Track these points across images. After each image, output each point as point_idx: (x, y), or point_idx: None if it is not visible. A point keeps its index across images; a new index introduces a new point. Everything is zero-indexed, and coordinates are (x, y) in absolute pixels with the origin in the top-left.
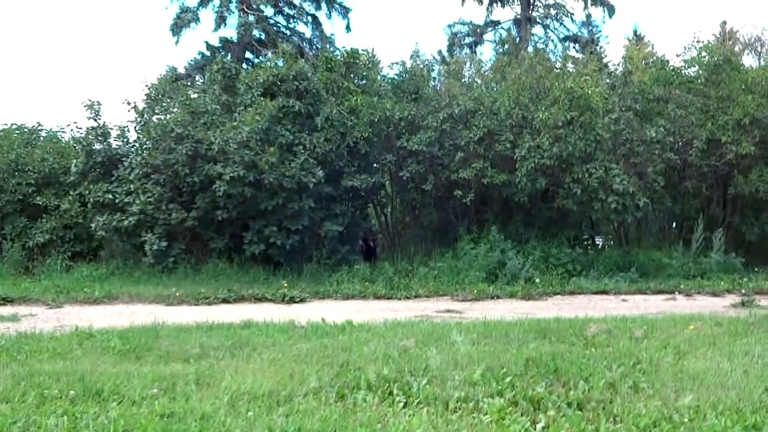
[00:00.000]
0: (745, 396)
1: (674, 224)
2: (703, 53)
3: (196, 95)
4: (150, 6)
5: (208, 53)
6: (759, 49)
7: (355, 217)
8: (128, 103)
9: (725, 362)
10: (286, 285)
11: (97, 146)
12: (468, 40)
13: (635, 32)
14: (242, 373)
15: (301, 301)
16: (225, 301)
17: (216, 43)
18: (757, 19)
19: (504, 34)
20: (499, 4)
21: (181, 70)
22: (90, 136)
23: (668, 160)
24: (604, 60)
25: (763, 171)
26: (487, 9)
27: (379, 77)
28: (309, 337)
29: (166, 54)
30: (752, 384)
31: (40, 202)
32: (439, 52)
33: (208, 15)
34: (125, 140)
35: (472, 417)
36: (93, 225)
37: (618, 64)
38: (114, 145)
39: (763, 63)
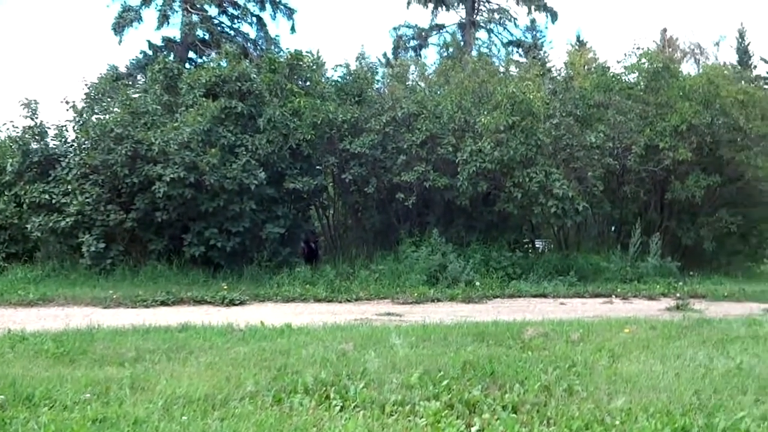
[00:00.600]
0: (675, 398)
1: (613, 228)
2: (643, 60)
3: (137, 95)
4: (92, 4)
5: (150, 52)
6: (698, 56)
7: (297, 219)
8: (67, 103)
9: (658, 365)
10: (225, 287)
11: (34, 146)
12: (413, 43)
13: (578, 38)
14: (178, 376)
15: (241, 303)
16: (163, 303)
17: (159, 42)
18: (696, 27)
19: (448, 37)
20: (443, 7)
21: (123, 70)
22: (27, 136)
23: (607, 165)
24: (547, 65)
25: (699, 177)
26: (432, 12)
27: (323, 79)
28: (247, 341)
29: (108, 53)
30: (683, 386)
31: None
32: (384, 55)
33: (151, 14)
34: (63, 140)
35: (408, 420)
36: (29, 226)
37: (560, 70)
38: (51, 145)
39: (701, 70)
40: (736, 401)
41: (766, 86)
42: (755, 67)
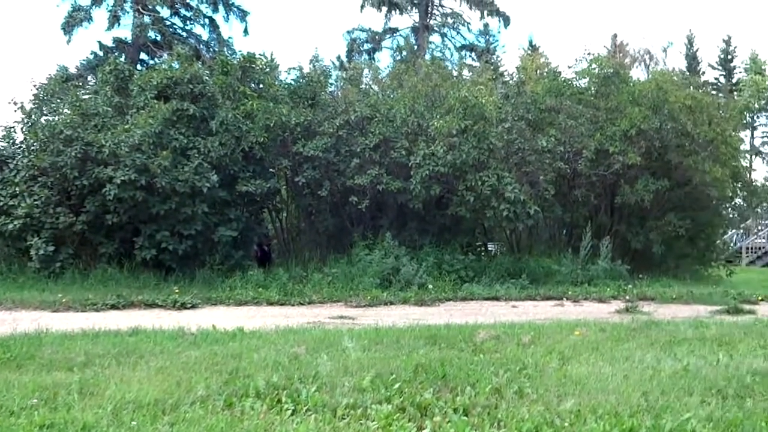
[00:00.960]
0: (623, 400)
1: (564, 232)
2: (594, 66)
3: (87, 96)
4: (41, 2)
5: (101, 53)
6: (647, 62)
7: (250, 222)
8: (15, 104)
9: (607, 367)
10: (177, 291)
11: None
12: (366, 46)
13: (530, 43)
14: (128, 381)
15: (193, 307)
16: (113, 307)
17: (109, 43)
18: (646, 33)
19: (402, 41)
20: (397, 11)
21: (73, 70)
22: None
23: (559, 169)
24: (500, 69)
25: (648, 181)
26: (386, 16)
27: (276, 82)
28: (198, 345)
29: (58, 53)
30: (631, 388)
31: None
32: (338, 58)
33: (101, 14)
34: (11, 141)
35: (360, 424)
36: None
37: (513, 74)
38: None
39: (650, 76)
40: (682, 402)
41: (713, 92)
42: (703, 72)
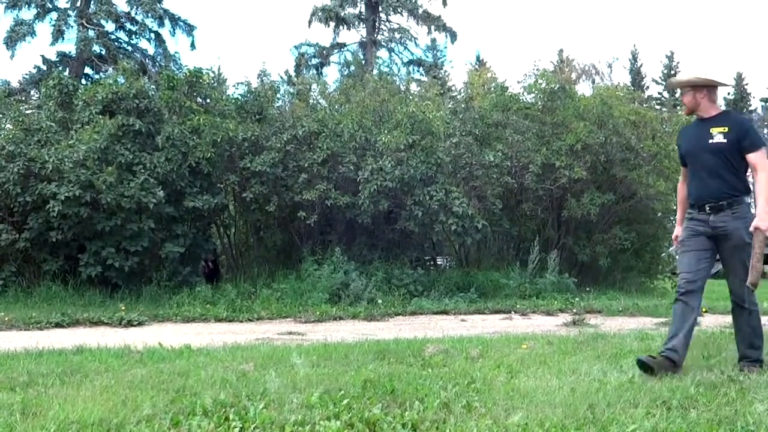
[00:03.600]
0: (570, 413)
1: (512, 246)
2: (541, 81)
3: (30, 111)
4: None
5: (44, 68)
6: (593, 76)
7: (198, 238)
8: None
9: (554, 380)
10: (123, 308)
11: None
12: (315, 61)
13: (477, 58)
14: (72, 401)
15: (140, 324)
16: (58, 325)
17: (53, 57)
18: (591, 48)
19: (350, 56)
20: (344, 26)
21: (15, 85)
22: None
23: (506, 183)
24: (447, 84)
25: (594, 195)
26: (334, 31)
27: (223, 97)
28: (145, 363)
29: (0, 67)
30: (578, 401)
31: None
32: (287, 73)
33: (45, 28)
34: None
35: None
36: None
37: (460, 90)
38: None
39: (595, 91)
40: (628, 414)
41: (657, 106)
42: (647, 87)
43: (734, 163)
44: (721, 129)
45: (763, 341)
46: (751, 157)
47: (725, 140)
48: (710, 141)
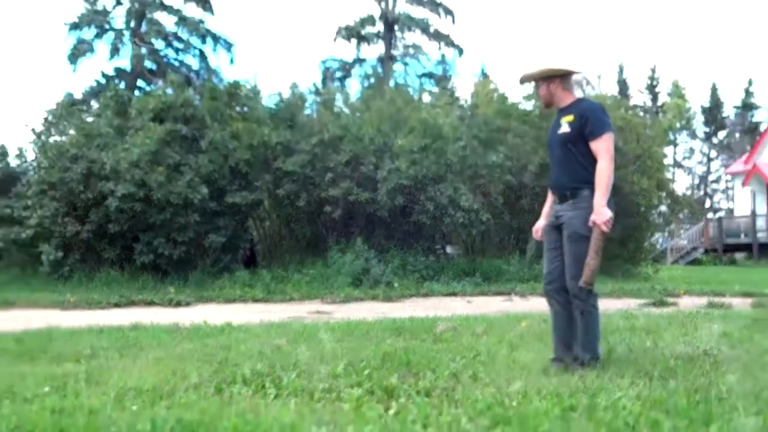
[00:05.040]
0: (564, 382)
1: (512, 236)
2: None
3: (91, 119)
4: (49, 36)
5: (103, 81)
6: (585, 87)
7: (237, 229)
8: (27, 126)
9: (550, 354)
10: (173, 291)
11: None
12: (338, 74)
13: (482, 71)
14: (129, 371)
15: (187, 305)
16: (116, 305)
17: (111, 71)
18: (583, 61)
19: (369, 69)
20: (365, 43)
21: (78, 96)
22: None
23: (507, 181)
24: (455, 94)
25: None
26: (356, 47)
27: (259, 106)
28: (192, 338)
29: (65, 81)
30: (570, 372)
31: None
32: (314, 84)
33: (103, 46)
34: (23, 160)
35: (334, 405)
36: None
37: (467, 99)
38: (13, 164)
39: None
40: (615, 384)
41: (641, 113)
42: (632, 97)
43: (580, 151)
44: (567, 118)
45: (592, 344)
46: (593, 145)
47: (569, 130)
48: (558, 132)
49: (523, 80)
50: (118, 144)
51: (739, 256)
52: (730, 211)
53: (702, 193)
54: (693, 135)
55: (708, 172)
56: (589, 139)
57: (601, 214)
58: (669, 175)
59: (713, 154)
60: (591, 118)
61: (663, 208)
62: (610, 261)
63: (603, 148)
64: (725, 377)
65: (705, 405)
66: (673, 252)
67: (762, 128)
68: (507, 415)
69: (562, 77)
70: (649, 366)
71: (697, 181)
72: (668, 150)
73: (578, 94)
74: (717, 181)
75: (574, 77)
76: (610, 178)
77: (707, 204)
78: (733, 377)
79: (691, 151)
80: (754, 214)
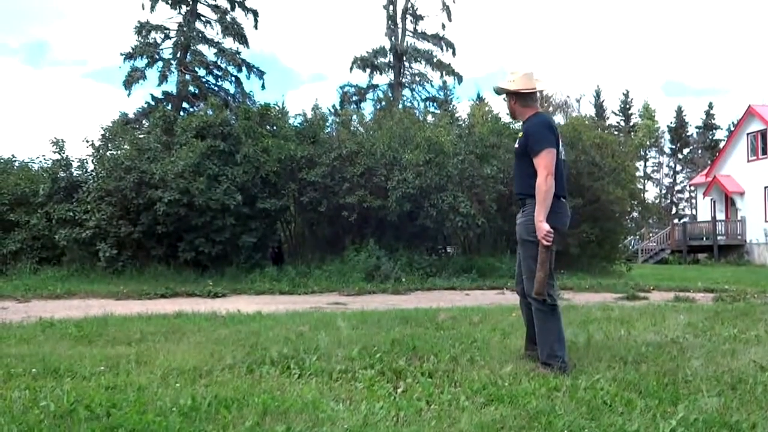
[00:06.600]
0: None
1: (504, 238)
2: None
3: (142, 136)
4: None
5: (152, 103)
6: (566, 110)
7: (266, 231)
8: (87, 141)
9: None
10: (211, 284)
11: (61, 174)
12: (355, 98)
13: (478, 95)
14: (173, 353)
15: (223, 296)
16: (162, 296)
17: (159, 95)
18: (565, 85)
19: (381, 94)
20: (378, 72)
21: (131, 116)
22: (55, 167)
23: (499, 191)
24: (455, 115)
25: (567, 199)
26: (369, 75)
27: (286, 125)
28: (227, 325)
29: (120, 103)
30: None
31: (13, 218)
32: (333, 106)
33: (153, 73)
34: (84, 170)
35: (350, 384)
36: (57, 236)
37: (465, 119)
38: (74, 174)
39: (568, 120)
40: (594, 367)
41: (615, 132)
42: (608, 117)
43: (528, 164)
44: (520, 133)
45: (549, 343)
46: (534, 161)
47: (517, 145)
48: (515, 145)
49: (496, 91)
50: (165, 157)
51: (701, 256)
52: (694, 217)
53: (669, 201)
54: (661, 151)
55: (674, 183)
56: (531, 155)
57: (539, 228)
58: (640, 186)
59: (678, 167)
60: (533, 134)
61: (635, 214)
62: (589, 259)
63: (541, 164)
64: (690, 362)
65: (673, 386)
66: (643, 252)
67: (721, 145)
68: (500, 394)
69: (519, 94)
70: (623, 352)
71: (664, 191)
72: (639, 164)
73: (538, 108)
74: (682, 191)
75: (552, 97)
76: (547, 192)
77: (673, 211)
78: (697, 362)
79: (659, 165)
80: (714, 220)
